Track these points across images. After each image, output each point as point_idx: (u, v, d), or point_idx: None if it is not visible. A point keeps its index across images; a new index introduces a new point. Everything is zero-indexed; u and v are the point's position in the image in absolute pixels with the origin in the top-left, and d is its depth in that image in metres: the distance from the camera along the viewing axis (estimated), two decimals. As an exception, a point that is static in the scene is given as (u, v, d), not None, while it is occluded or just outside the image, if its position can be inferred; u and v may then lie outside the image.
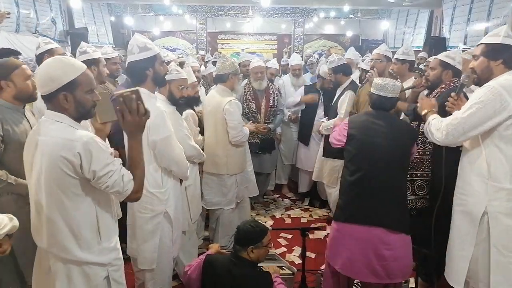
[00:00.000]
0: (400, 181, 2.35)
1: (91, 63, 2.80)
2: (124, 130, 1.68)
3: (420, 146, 2.77)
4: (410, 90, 3.10)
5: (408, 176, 2.79)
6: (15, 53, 3.92)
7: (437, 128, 2.09)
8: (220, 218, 3.46)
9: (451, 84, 2.68)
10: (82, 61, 2.74)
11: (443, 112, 2.28)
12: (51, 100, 1.57)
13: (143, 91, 2.27)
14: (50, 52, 2.98)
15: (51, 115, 1.59)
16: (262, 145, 4.23)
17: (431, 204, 2.73)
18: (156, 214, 2.37)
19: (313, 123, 4.35)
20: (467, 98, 2.27)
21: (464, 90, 2.42)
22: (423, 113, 2.31)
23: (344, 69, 3.90)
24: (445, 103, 2.29)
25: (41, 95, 1.60)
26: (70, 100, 1.57)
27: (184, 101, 2.83)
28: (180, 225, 2.64)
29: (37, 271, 1.72)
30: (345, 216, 2.33)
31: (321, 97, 4.33)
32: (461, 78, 2.32)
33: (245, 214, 3.67)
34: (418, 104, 2.42)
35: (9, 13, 4.10)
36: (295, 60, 5.13)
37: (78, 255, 1.61)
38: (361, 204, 2.29)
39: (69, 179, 1.55)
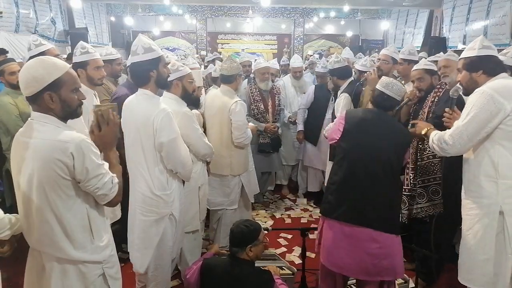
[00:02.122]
0: (391, 186, 2.31)
1: (77, 66, 2.71)
2: (100, 142, 1.70)
3: (429, 150, 2.72)
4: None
5: (421, 182, 2.79)
6: (3, 52, 3.91)
7: (443, 141, 2.12)
8: (222, 218, 3.45)
9: (441, 88, 2.81)
10: (72, 63, 2.73)
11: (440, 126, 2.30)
12: (37, 101, 1.57)
13: (146, 93, 2.30)
14: (43, 55, 2.94)
15: (38, 117, 1.59)
16: (273, 144, 4.28)
17: (445, 208, 2.73)
18: (162, 217, 2.37)
19: (322, 123, 4.29)
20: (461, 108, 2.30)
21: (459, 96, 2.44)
22: (423, 132, 2.34)
23: (339, 73, 3.87)
24: (443, 119, 2.33)
25: (26, 97, 1.59)
26: (56, 100, 1.57)
27: (195, 97, 2.81)
28: (183, 227, 2.64)
29: (29, 270, 1.72)
30: (336, 213, 2.31)
31: (332, 98, 4.23)
32: (450, 92, 2.36)
33: (246, 214, 3.66)
34: (416, 128, 2.43)
35: (1, 12, 4.04)
36: (297, 62, 5.07)
37: (72, 254, 1.63)
38: (352, 203, 2.27)
39: (62, 180, 1.55)
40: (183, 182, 2.57)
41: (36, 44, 2.95)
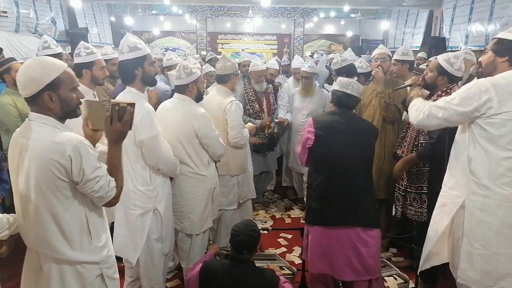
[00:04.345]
0: (367, 180, 2.41)
1: (83, 66, 2.73)
2: (107, 136, 1.69)
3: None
4: (408, 88, 3.08)
5: (414, 188, 2.81)
6: None
7: (420, 110, 2.13)
8: (223, 219, 3.44)
9: (448, 90, 2.65)
10: (75, 63, 2.74)
11: None
12: (36, 101, 1.56)
13: (132, 91, 2.35)
14: (59, 56, 2.96)
15: (36, 117, 1.58)
16: (270, 144, 4.29)
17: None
18: (146, 211, 2.41)
19: None
20: None
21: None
22: (410, 95, 2.40)
23: (347, 71, 3.84)
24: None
25: (25, 98, 1.58)
26: (55, 99, 1.57)
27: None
28: (171, 222, 2.66)
29: (26, 271, 1.71)
30: (322, 220, 2.35)
31: None
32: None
33: (247, 214, 3.66)
34: (409, 95, 2.48)
35: (5, 12, 4.06)
36: (297, 63, 4.86)
37: (69, 255, 1.62)
38: (337, 207, 2.32)
39: (60, 182, 1.55)
40: (171, 178, 2.62)
41: (55, 45, 3.03)
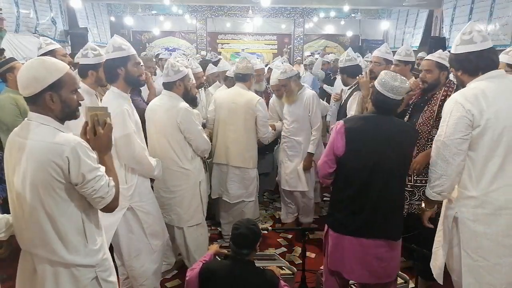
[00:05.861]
0: (400, 190, 2.26)
1: (89, 67, 2.72)
2: (95, 147, 1.68)
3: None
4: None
5: (425, 182, 2.74)
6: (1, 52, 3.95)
7: (436, 170, 2.00)
8: (245, 209, 3.58)
9: (451, 87, 2.72)
10: (82, 64, 2.75)
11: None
12: (36, 101, 1.56)
13: (114, 90, 2.41)
14: (52, 53, 2.96)
15: (35, 118, 1.57)
16: (269, 145, 4.28)
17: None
18: (120, 209, 2.42)
19: None
20: None
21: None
22: (426, 209, 2.24)
23: (350, 71, 3.80)
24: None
25: (25, 97, 1.58)
26: (56, 100, 1.56)
27: (192, 95, 2.98)
28: (159, 220, 2.69)
29: (21, 273, 1.70)
30: (348, 230, 2.22)
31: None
32: None
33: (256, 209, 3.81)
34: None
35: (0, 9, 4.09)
36: (274, 79, 3.98)
37: (65, 258, 1.61)
38: (365, 219, 2.18)
39: (57, 183, 1.53)
40: (152, 180, 2.67)
41: (47, 43, 3.11)
